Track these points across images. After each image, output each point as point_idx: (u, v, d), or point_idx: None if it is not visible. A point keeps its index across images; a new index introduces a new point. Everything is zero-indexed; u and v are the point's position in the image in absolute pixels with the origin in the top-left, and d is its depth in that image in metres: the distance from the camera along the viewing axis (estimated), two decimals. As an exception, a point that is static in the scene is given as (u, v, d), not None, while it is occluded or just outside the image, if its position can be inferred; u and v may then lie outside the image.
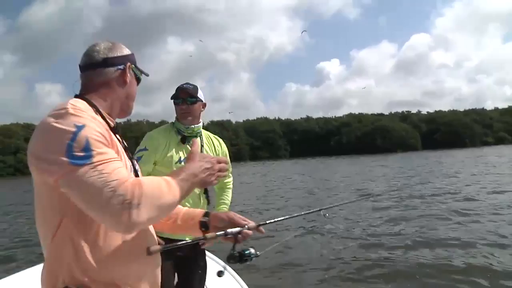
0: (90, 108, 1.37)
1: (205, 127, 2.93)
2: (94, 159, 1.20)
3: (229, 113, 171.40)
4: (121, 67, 1.49)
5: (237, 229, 1.61)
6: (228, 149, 3.03)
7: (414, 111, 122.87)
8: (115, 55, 1.48)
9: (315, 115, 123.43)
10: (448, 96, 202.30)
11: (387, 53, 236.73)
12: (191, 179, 1.36)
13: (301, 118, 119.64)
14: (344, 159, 56.95)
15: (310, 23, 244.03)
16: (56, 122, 1.23)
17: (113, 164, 1.23)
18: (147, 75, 1.64)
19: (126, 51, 1.53)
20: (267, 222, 1.75)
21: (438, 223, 9.03)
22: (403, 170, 27.58)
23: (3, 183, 47.59)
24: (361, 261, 6.61)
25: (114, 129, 1.44)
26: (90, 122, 1.26)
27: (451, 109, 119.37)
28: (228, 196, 3.09)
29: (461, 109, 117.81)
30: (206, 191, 2.83)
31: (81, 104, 1.34)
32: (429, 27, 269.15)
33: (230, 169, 2.81)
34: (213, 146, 2.93)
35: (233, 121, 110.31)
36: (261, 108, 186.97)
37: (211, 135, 3.01)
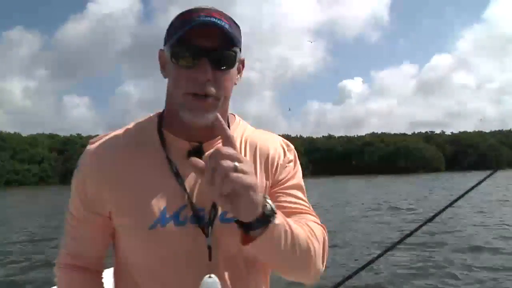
0: None
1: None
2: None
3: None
4: None
5: None
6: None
7: (437, 131, 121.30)
8: None
9: (337, 133, 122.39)
10: (471, 117, 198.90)
11: (408, 74, 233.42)
12: None
13: (323, 136, 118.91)
14: (367, 179, 55.94)
15: (333, 45, 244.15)
16: None
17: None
18: None
19: None
20: None
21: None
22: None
23: (26, 192, 48.35)
24: None
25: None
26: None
27: (476, 130, 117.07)
28: None
29: (487, 131, 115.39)
30: None
31: None
32: (450, 49, 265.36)
33: None
34: None
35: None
36: (283, 126, 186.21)
37: None
